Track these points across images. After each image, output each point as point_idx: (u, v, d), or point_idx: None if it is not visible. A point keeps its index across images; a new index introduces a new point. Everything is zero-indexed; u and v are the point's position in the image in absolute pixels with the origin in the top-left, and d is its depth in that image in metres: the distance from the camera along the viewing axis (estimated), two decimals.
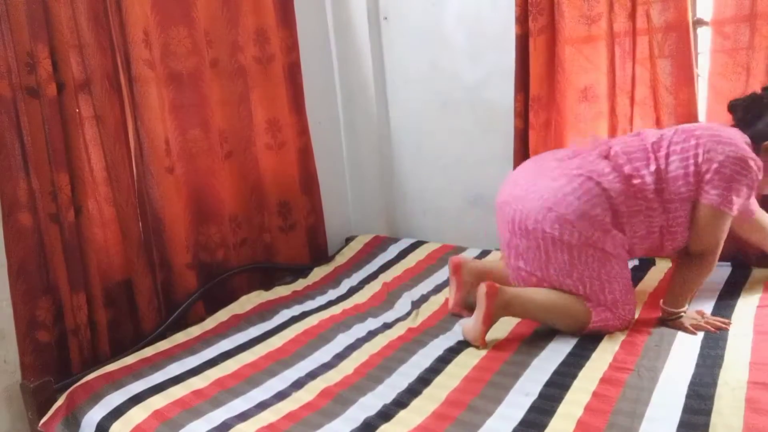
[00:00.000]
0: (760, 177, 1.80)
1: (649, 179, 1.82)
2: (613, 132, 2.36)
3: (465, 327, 1.95)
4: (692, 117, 2.22)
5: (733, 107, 1.89)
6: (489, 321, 1.87)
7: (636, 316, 1.96)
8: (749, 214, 2.00)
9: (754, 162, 1.78)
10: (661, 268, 2.30)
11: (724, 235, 1.83)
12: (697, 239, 1.84)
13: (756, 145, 1.82)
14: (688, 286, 1.87)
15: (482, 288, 1.86)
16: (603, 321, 1.86)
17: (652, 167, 1.83)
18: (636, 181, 1.82)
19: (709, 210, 1.79)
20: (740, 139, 1.83)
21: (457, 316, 2.12)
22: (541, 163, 2.00)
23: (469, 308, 2.05)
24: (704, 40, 2.23)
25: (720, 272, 2.16)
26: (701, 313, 1.88)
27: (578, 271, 1.83)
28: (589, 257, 1.82)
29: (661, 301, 1.91)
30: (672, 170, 1.82)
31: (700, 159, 1.79)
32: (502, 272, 2.06)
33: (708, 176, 1.78)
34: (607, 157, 1.88)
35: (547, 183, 1.86)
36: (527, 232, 1.86)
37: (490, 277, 2.02)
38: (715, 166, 1.77)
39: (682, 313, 1.86)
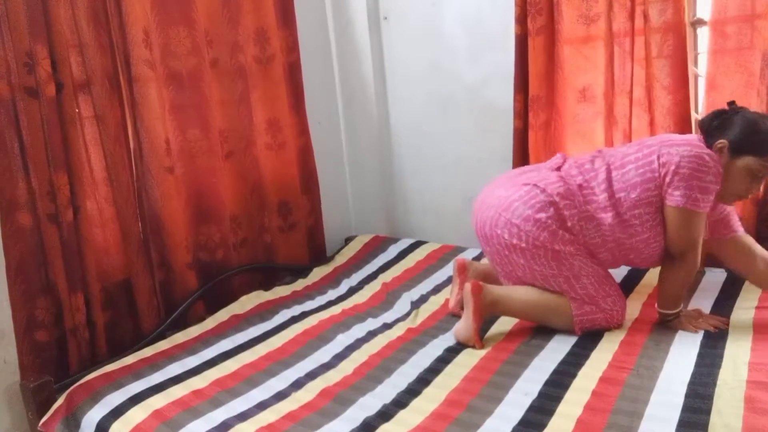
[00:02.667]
0: (721, 171, 1.81)
1: (598, 189, 1.89)
2: (609, 132, 2.36)
3: (457, 329, 1.97)
4: (687, 117, 2.22)
5: (701, 124, 1.91)
6: (479, 316, 1.91)
7: (636, 315, 1.97)
8: (730, 232, 1.98)
9: (710, 157, 1.80)
10: (659, 268, 2.29)
11: (700, 232, 1.85)
12: (673, 241, 1.87)
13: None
14: (676, 286, 1.89)
15: (468, 286, 1.94)
16: (586, 314, 1.88)
17: (602, 177, 1.90)
18: (585, 191, 1.91)
19: (676, 211, 1.82)
20: (694, 140, 1.87)
21: (456, 316, 2.12)
22: (503, 177, 2.11)
23: None
24: (704, 40, 2.23)
25: (719, 272, 2.17)
26: (699, 313, 1.89)
27: (539, 273, 1.91)
28: (542, 258, 1.89)
29: (656, 304, 1.92)
30: (629, 179, 1.86)
31: (655, 165, 1.83)
32: None
33: (668, 179, 1.82)
34: (558, 169, 1.99)
35: (500, 193, 1.99)
36: (487, 239, 1.99)
37: (492, 280, 2.06)
38: (672, 168, 1.81)
39: (679, 314, 1.87)
